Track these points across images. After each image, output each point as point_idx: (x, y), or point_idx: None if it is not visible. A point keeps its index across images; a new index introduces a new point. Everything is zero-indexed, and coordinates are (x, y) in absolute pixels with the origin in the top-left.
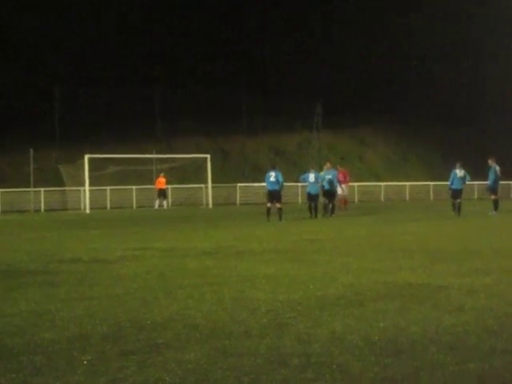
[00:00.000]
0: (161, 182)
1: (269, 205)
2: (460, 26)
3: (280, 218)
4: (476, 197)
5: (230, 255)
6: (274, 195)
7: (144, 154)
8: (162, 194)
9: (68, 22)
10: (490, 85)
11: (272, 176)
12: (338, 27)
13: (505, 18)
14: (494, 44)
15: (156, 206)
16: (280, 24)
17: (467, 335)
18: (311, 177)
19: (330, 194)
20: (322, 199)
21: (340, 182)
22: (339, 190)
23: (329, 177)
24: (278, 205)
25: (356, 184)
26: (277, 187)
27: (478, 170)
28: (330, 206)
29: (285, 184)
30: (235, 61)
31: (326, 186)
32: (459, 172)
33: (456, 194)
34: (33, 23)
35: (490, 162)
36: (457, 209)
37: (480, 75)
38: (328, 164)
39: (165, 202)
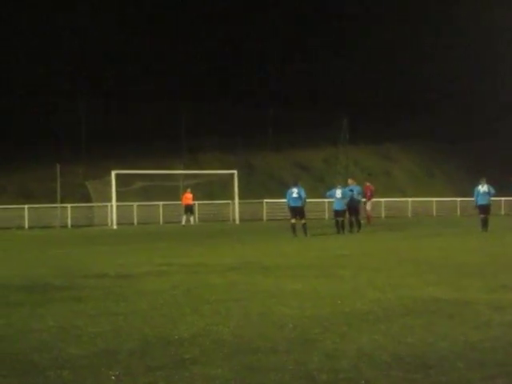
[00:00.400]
0: (187, 197)
1: (293, 221)
2: (492, 39)
3: (305, 234)
4: (503, 212)
5: (256, 271)
6: (298, 211)
7: (170, 169)
8: (189, 209)
9: (94, 36)
10: None
11: (294, 192)
12: (365, 42)
13: None
14: None
15: (183, 222)
16: (307, 38)
17: (495, 351)
18: (338, 193)
19: (352, 209)
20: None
21: (366, 198)
22: (368, 206)
23: (350, 193)
24: (302, 221)
25: (383, 200)
26: (299, 203)
27: (504, 185)
28: (354, 221)
29: (311, 200)
30: (261, 76)
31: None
32: (482, 187)
33: (483, 209)
34: (57, 37)
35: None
36: (483, 224)
37: (507, 88)
38: (350, 180)
39: (192, 218)
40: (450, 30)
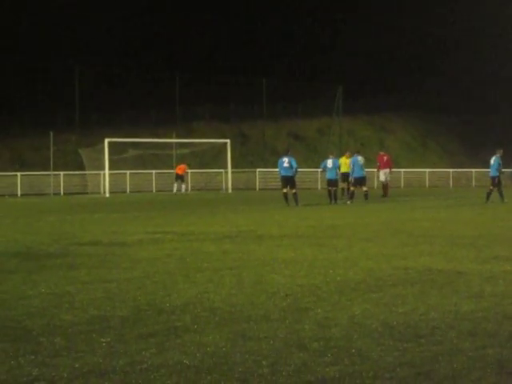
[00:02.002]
0: (181, 168)
1: (285, 190)
2: (484, 13)
3: (296, 203)
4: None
5: (249, 239)
6: (289, 181)
7: (164, 138)
8: (180, 177)
9: (90, 8)
10: None
11: (285, 162)
12: (361, 13)
13: None
14: None
15: (174, 190)
16: (301, 9)
17: (486, 321)
18: (329, 162)
19: (345, 179)
20: (341, 185)
21: (380, 168)
22: (381, 177)
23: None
24: (293, 190)
25: (375, 170)
26: (290, 173)
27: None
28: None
29: (305, 170)
30: (255, 46)
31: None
32: (493, 160)
33: (492, 180)
34: (55, 6)
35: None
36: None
37: (502, 63)
38: (348, 153)
39: (183, 186)
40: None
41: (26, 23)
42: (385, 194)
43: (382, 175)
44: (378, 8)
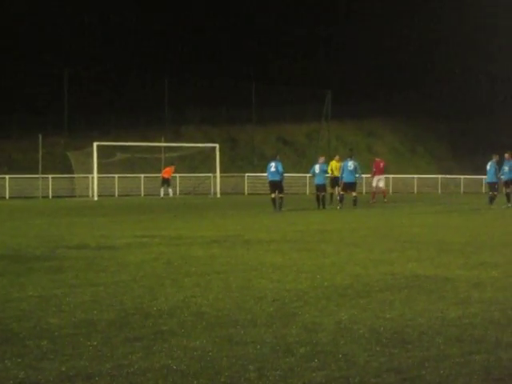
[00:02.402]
0: (167, 171)
1: (273, 195)
2: (472, 18)
3: (280, 207)
4: (484, 191)
5: (237, 244)
6: (276, 186)
7: (152, 142)
8: (166, 182)
9: (79, 10)
10: (501, 78)
11: (272, 166)
12: (349, 17)
13: None
14: (505, 37)
15: (161, 194)
16: (290, 13)
17: (473, 327)
18: (317, 168)
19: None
20: (335, 191)
21: (375, 174)
22: (374, 182)
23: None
24: (280, 195)
25: (364, 176)
26: (277, 177)
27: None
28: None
29: (293, 175)
30: (245, 50)
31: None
32: (489, 166)
33: (489, 186)
34: (44, 9)
35: (507, 156)
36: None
37: (491, 68)
38: (337, 157)
39: (170, 190)
40: (436, 5)
41: (14, 26)
42: (377, 200)
43: (376, 181)
44: (367, 14)
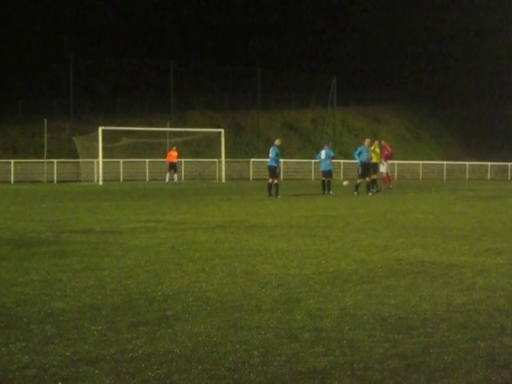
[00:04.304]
0: (172, 155)
1: (270, 180)
2: (479, 6)
3: (276, 194)
4: (489, 177)
5: (241, 229)
6: (270, 171)
7: (158, 127)
8: (173, 167)
9: None
10: (507, 65)
11: (270, 152)
12: (356, 4)
13: None
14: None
15: (167, 180)
16: (296, 0)
17: (478, 314)
18: (322, 153)
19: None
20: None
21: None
22: (381, 168)
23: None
24: (275, 181)
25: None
26: (272, 163)
27: (493, 150)
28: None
29: (298, 160)
30: (250, 35)
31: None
32: None
33: None
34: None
35: None
36: None
37: (495, 55)
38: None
39: (175, 176)
40: None
41: (21, 11)
42: (388, 186)
43: (382, 167)
44: (373, 1)
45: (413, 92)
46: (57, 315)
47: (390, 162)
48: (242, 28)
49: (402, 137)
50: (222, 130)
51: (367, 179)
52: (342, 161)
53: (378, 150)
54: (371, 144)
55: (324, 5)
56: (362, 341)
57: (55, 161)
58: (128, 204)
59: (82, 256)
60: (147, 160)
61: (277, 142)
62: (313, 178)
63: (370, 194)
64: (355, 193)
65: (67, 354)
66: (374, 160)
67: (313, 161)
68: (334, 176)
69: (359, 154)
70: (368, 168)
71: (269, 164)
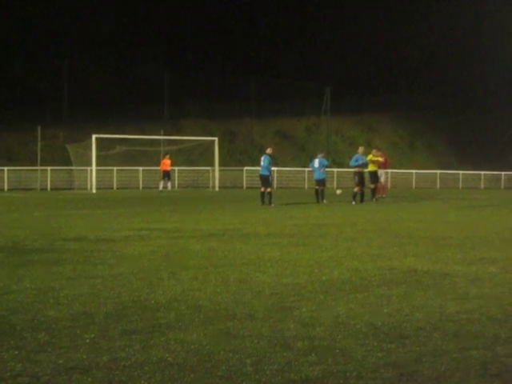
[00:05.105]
0: (165, 163)
1: (262, 189)
2: (472, 13)
3: (270, 202)
4: (482, 186)
5: (235, 238)
6: (262, 180)
7: (151, 135)
8: (167, 175)
9: (78, 3)
10: (500, 74)
11: (261, 160)
12: (348, 11)
13: None
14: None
15: (160, 188)
16: (289, 7)
17: (471, 323)
18: (316, 162)
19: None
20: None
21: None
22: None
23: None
24: (267, 189)
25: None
26: (264, 172)
27: (486, 159)
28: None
29: (293, 169)
30: (244, 43)
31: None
32: None
33: None
34: (43, 1)
35: None
36: None
37: (492, 62)
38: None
39: (169, 184)
40: (435, 3)
41: (13, 18)
42: (381, 195)
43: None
44: (366, 8)
45: (407, 101)
46: (50, 323)
47: (384, 170)
48: (236, 36)
49: (396, 145)
50: (216, 139)
51: (372, 186)
52: (335, 169)
53: (375, 158)
54: (366, 152)
55: (318, 13)
56: (355, 350)
57: (49, 168)
58: (121, 212)
59: (75, 264)
60: (141, 168)
61: (268, 150)
62: (306, 186)
63: (374, 200)
64: (353, 202)
65: (60, 361)
66: (371, 168)
67: (306, 169)
68: (328, 185)
69: (356, 160)
70: (363, 176)
71: (261, 173)
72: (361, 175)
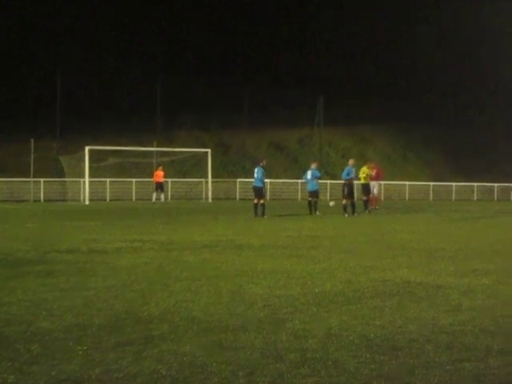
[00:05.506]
0: (158, 175)
1: (255, 201)
2: (463, 28)
3: (263, 214)
4: (475, 198)
5: (228, 249)
6: (255, 192)
7: (144, 146)
8: (160, 187)
9: (70, 12)
10: (494, 87)
11: (255, 172)
12: (341, 23)
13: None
14: (495, 44)
15: (153, 199)
16: (282, 18)
17: (464, 335)
18: (308, 174)
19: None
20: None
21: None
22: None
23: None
24: (261, 201)
25: (356, 182)
26: (255, 183)
27: (477, 170)
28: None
29: (286, 181)
30: (237, 55)
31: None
32: None
33: None
34: (35, 13)
35: None
36: None
37: (485, 74)
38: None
39: (162, 196)
40: (427, 14)
41: (5, 30)
42: (374, 207)
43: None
44: (360, 21)
45: (400, 112)
46: (43, 335)
47: (377, 182)
48: (229, 48)
49: (389, 157)
50: (209, 150)
51: (364, 198)
52: (328, 181)
53: (365, 173)
54: (356, 164)
55: (310, 24)
56: (348, 362)
57: (42, 180)
58: (114, 224)
59: (68, 276)
60: (134, 180)
61: (263, 162)
62: (299, 198)
63: (367, 212)
64: (345, 214)
65: (53, 373)
66: (363, 181)
67: (299, 181)
68: (321, 196)
69: (348, 174)
70: (353, 188)
71: (254, 184)
72: (350, 187)
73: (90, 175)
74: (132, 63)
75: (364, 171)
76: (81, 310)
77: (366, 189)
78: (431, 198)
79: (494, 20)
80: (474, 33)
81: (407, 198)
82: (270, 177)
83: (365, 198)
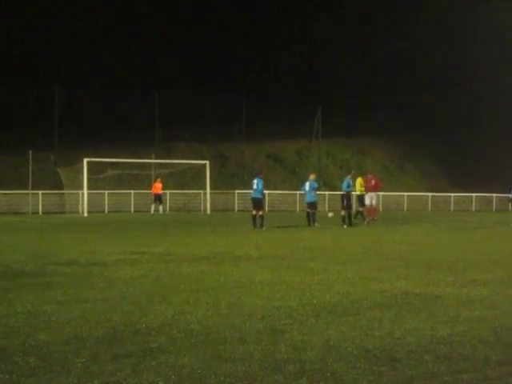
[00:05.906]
0: (157, 187)
1: (253, 212)
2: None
3: (261, 225)
4: (474, 209)
5: (226, 261)
6: (254, 203)
7: (143, 158)
8: (158, 198)
9: (69, 25)
10: (491, 98)
11: (254, 183)
12: (339, 34)
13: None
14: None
15: (152, 211)
16: (280, 30)
17: (462, 345)
18: (306, 185)
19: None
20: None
21: (367, 191)
22: (366, 199)
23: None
24: (259, 212)
25: (354, 193)
26: (255, 195)
27: (476, 180)
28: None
29: (284, 192)
30: (235, 67)
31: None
32: None
33: None
34: (33, 25)
35: None
36: None
37: (482, 84)
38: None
39: (160, 207)
40: (423, 23)
41: (4, 42)
42: (372, 218)
43: (368, 199)
44: (357, 32)
45: (397, 124)
46: (41, 347)
47: (375, 193)
48: (227, 60)
49: (387, 168)
50: (207, 162)
51: (361, 209)
52: (326, 192)
53: (360, 186)
54: (354, 176)
55: (308, 35)
56: (347, 373)
57: (40, 192)
58: (113, 235)
59: (67, 288)
60: (132, 191)
61: (262, 174)
62: (298, 209)
63: (365, 223)
64: (344, 226)
65: None
66: (359, 192)
67: (298, 192)
68: (319, 207)
69: (348, 186)
70: (351, 199)
71: (254, 196)
72: (348, 198)
73: (89, 187)
74: (131, 76)
75: (359, 182)
76: (79, 322)
77: (361, 200)
78: (429, 208)
79: (494, 20)
80: (468, 45)
81: (405, 208)
82: (268, 188)
83: (360, 209)
